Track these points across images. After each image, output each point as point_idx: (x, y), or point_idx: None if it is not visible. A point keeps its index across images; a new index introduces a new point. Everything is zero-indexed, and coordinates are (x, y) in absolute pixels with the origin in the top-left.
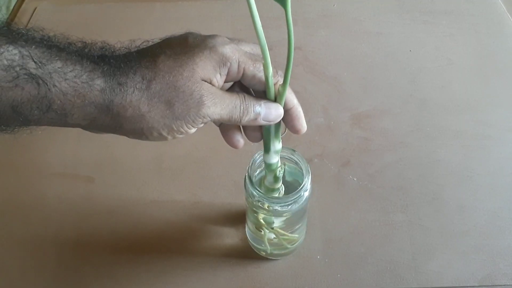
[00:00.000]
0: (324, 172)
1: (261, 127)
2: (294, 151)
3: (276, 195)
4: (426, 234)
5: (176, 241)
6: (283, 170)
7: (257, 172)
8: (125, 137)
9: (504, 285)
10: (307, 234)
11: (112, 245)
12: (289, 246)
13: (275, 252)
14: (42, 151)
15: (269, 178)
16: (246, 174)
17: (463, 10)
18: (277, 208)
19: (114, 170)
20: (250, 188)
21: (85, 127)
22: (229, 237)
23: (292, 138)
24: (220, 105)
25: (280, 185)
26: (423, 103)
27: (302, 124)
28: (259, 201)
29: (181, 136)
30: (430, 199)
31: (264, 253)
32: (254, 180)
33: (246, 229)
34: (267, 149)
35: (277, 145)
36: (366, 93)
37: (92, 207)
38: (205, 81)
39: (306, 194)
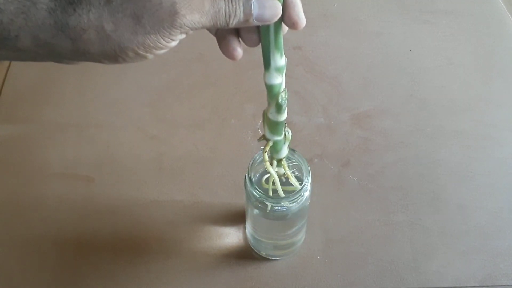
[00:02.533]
0: (324, 172)
1: (258, 26)
2: (294, 151)
3: (281, 137)
4: (426, 234)
5: (176, 241)
6: (286, 96)
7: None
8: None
9: (504, 285)
10: (307, 234)
11: (112, 245)
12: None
13: (275, 252)
14: (42, 151)
15: (272, 108)
16: (246, 174)
17: (463, 10)
18: (277, 208)
19: (114, 170)
20: (250, 188)
21: (49, 58)
22: (229, 237)
23: (292, 138)
24: (199, 12)
25: (285, 117)
26: (423, 103)
27: (299, 14)
28: (258, 201)
29: (162, 52)
30: (430, 199)
31: (264, 253)
32: (254, 180)
33: (246, 229)
34: (266, 64)
35: (278, 59)
36: (366, 93)
37: (92, 207)
38: None
39: (306, 194)
